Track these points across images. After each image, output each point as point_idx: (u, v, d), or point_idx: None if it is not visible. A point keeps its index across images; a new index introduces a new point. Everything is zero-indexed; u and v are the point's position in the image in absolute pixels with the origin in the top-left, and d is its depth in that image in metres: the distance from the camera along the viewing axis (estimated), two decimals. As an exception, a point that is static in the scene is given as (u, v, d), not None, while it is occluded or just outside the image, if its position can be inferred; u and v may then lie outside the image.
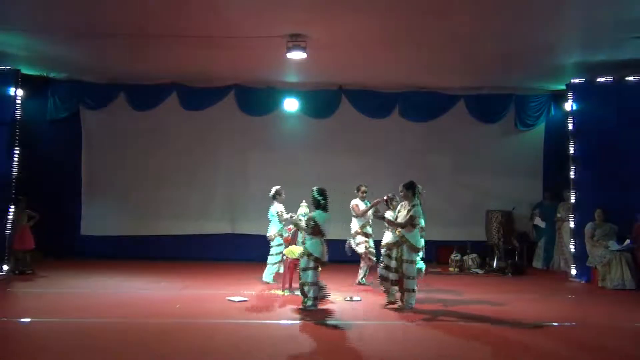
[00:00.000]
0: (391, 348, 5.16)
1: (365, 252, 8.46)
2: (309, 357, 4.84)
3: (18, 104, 9.31)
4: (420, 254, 7.13)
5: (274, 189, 8.49)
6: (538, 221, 11.07)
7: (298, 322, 6.12)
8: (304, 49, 7.97)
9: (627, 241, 8.82)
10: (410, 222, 6.77)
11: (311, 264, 6.72)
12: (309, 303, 6.65)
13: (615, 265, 8.71)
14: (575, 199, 9.59)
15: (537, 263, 11.12)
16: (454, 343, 5.37)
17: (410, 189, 6.86)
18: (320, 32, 7.81)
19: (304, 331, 5.74)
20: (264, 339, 5.33)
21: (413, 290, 6.80)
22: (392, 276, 6.88)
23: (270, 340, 5.32)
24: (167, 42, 8.31)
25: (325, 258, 6.81)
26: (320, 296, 6.79)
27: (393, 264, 6.92)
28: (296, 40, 7.90)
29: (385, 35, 8.05)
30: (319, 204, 6.87)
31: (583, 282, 9.31)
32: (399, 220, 6.98)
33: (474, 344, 5.36)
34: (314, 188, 6.97)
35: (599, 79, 9.47)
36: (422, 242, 7.22)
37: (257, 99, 11.09)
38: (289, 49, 7.98)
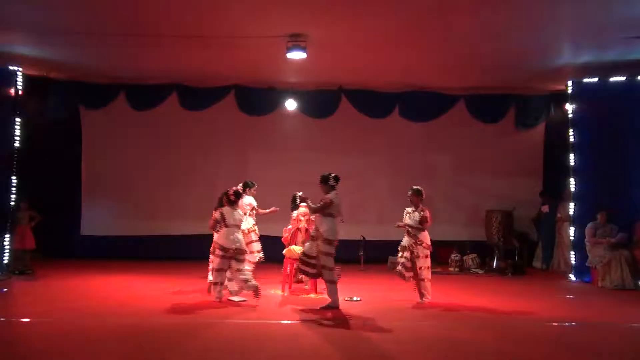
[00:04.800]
0: (392, 347, 5.16)
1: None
2: (309, 357, 4.84)
3: (18, 104, 9.29)
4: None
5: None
6: (545, 208, 11.02)
7: (298, 322, 6.12)
8: (304, 49, 7.96)
9: (620, 234, 8.88)
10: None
11: None
12: None
13: (615, 265, 8.72)
14: (575, 198, 9.58)
15: (537, 263, 11.12)
16: (452, 343, 5.37)
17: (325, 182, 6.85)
18: (320, 32, 7.80)
19: (304, 331, 5.74)
20: (264, 339, 5.33)
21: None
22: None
23: (270, 340, 5.32)
24: (167, 42, 8.30)
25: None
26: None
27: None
28: (296, 40, 7.90)
29: (385, 35, 8.04)
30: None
31: (583, 282, 9.32)
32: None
33: (474, 343, 5.36)
34: None
35: (599, 79, 9.47)
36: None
37: (257, 99, 11.08)
38: (289, 49, 7.98)
